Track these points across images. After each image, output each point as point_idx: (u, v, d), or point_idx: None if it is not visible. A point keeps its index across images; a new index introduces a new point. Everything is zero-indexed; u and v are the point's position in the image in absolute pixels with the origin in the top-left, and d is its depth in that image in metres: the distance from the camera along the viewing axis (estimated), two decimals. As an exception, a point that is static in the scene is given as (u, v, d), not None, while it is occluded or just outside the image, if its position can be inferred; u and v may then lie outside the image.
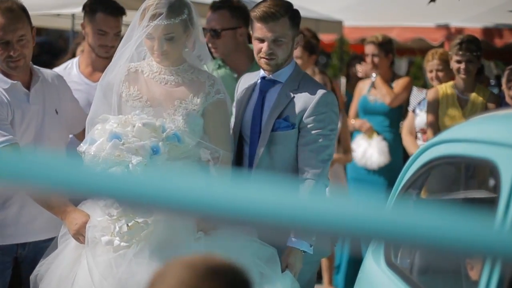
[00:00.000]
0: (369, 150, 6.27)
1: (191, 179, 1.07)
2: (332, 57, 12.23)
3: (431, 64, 5.77)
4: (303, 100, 3.48)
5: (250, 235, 3.27)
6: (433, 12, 7.81)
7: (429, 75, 5.84)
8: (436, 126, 5.24)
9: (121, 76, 3.42)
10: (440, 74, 5.69)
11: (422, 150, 2.89)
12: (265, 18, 3.48)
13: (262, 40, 3.49)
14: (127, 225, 3.08)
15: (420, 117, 5.74)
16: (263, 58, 3.51)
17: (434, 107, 5.29)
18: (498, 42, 8.19)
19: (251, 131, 3.55)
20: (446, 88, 5.33)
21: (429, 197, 3.32)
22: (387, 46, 6.36)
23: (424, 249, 0.96)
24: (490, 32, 8.13)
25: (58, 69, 4.20)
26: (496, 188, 2.32)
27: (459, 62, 5.21)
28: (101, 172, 1.15)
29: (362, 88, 6.52)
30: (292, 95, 3.51)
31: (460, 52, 5.19)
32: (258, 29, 3.49)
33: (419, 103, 5.86)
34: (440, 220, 0.93)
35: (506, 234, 0.93)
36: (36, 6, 5.55)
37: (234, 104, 3.75)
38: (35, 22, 3.79)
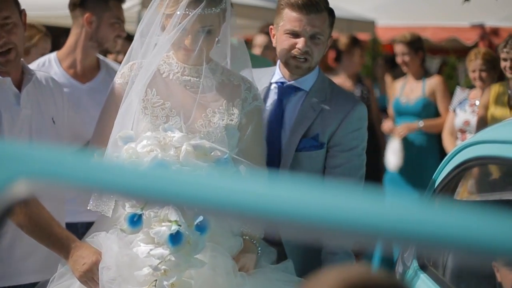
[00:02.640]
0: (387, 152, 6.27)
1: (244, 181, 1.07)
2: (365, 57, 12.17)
3: (474, 64, 5.66)
4: (333, 115, 2.95)
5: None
6: (467, 12, 7.74)
7: (471, 75, 5.74)
8: (483, 126, 5.13)
9: (147, 77, 2.76)
10: (483, 74, 5.59)
11: (457, 151, 2.86)
12: (307, 7, 2.92)
13: (297, 35, 2.93)
14: (172, 283, 2.50)
15: (459, 117, 5.67)
16: (296, 57, 2.94)
17: (484, 107, 5.18)
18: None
19: (268, 146, 2.94)
20: (499, 87, 5.22)
21: (464, 199, 3.29)
22: (416, 44, 6.31)
23: (457, 251, 0.95)
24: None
25: (31, 67, 3.25)
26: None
27: (505, 60, 5.06)
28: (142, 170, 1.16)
29: (395, 89, 6.48)
30: (320, 107, 2.97)
31: (505, 50, 5.07)
32: (294, 20, 2.92)
33: (460, 103, 5.77)
34: (475, 222, 0.92)
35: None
36: (57, 5, 5.52)
37: None
38: (57, 21, 3.36)
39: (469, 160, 2.78)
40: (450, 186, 2.95)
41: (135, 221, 2.48)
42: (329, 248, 2.89)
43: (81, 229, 3.30)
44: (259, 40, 6.08)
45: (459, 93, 5.91)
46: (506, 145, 2.54)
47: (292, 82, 3.03)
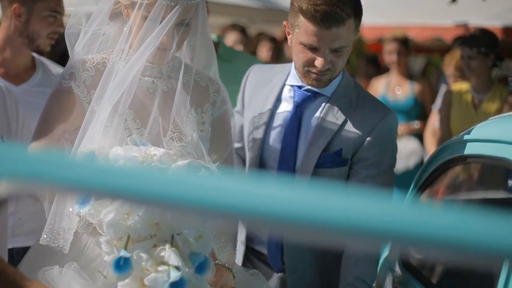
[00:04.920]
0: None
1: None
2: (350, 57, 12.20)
3: (449, 68, 5.73)
4: (360, 125, 2.52)
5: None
6: (451, 11, 7.76)
7: (449, 79, 5.81)
8: (446, 126, 5.13)
9: (127, 84, 2.28)
10: (459, 78, 5.62)
11: (440, 150, 2.87)
12: (327, 22, 2.40)
13: (314, 49, 2.45)
14: None
15: None
16: (316, 73, 2.49)
17: (446, 107, 5.18)
18: (517, 40, 8.12)
19: (280, 162, 2.57)
20: (461, 87, 5.21)
21: (446, 198, 3.30)
22: (406, 43, 6.43)
23: (440, 250, 0.95)
24: (510, 30, 8.06)
25: None
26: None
27: (462, 58, 5.04)
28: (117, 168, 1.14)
29: (377, 87, 6.52)
30: (344, 117, 2.54)
31: (462, 49, 5.03)
32: (312, 34, 2.42)
33: None
34: (456, 220, 0.92)
35: (523, 235, 0.92)
36: None
37: (238, 107, 2.77)
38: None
39: (452, 159, 2.79)
40: (433, 185, 2.96)
41: (122, 265, 2.06)
42: (348, 280, 2.51)
43: (16, 256, 2.75)
44: (231, 38, 5.95)
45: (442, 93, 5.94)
46: (489, 144, 2.54)
47: (308, 85, 2.57)
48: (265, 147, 2.60)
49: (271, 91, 2.64)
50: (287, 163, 2.55)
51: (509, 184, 2.86)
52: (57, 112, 2.34)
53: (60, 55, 3.48)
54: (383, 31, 8.53)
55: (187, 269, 2.06)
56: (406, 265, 2.95)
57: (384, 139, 2.52)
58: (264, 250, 2.70)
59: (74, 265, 2.22)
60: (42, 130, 2.32)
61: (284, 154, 2.56)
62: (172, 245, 2.08)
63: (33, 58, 3.10)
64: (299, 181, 2.50)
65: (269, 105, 2.62)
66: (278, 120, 2.60)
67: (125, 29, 2.32)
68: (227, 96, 2.50)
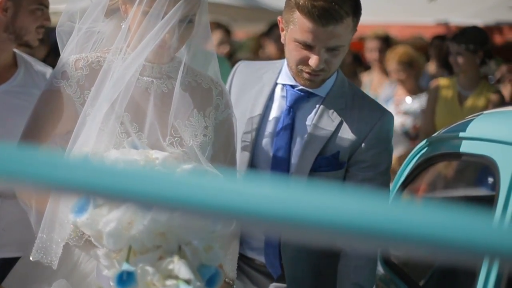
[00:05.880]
0: None
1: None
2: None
3: (391, 64, 5.81)
4: (357, 127, 2.44)
5: None
6: (432, 10, 7.80)
7: (391, 75, 5.90)
8: (431, 121, 5.15)
9: (125, 85, 2.13)
10: (402, 74, 5.72)
11: (421, 147, 2.88)
12: (325, 19, 2.30)
13: (309, 47, 2.36)
14: None
15: None
16: (309, 73, 2.40)
17: (432, 102, 5.19)
18: (498, 39, 8.18)
19: (273, 165, 2.47)
20: (447, 82, 5.22)
21: (427, 195, 3.31)
22: (387, 41, 6.51)
23: (420, 248, 0.95)
24: (490, 29, 8.12)
25: None
26: (495, 186, 2.30)
27: (450, 55, 5.05)
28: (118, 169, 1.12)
29: (363, 83, 6.57)
30: (339, 118, 2.45)
31: (450, 45, 5.04)
32: (307, 31, 2.32)
33: (387, 100, 5.92)
34: (437, 218, 0.92)
35: (504, 232, 0.92)
36: None
37: None
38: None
39: (434, 156, 2.79)
40: (415, 182, 2.96)
41: (125, 280, 1.87)
42: (347, 287, 2.43)
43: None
44: (215, 37, 5.91)
45: (387, 88, 6.01)
46: (471, 142, 2.55)
47: (301, 85, 2.46)
48: (256, 149, 2.48)
49: (261, 91, 2.51)
50: (280, 166, 2.45)
51: (490, 182, 2.87)
52: (47, 114, 2.16)
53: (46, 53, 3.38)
54: (364, 29, 8.55)
55: (198, 283, 1.86)
56: (387, 262, 2.95)
57: (381, 141, 2.44)
58: (255, 257, 2.57)
59: (64, 282, 2.06)
60: (30, 134, 2.15)
61: (277, 157, 2.45)
62: (180, 256, 1.90)
63: (14, 55, 2.89)
64: (296, 181, 2.42)
65: (260, 105, 2.49)
66: (270, 122, 2.48)
67: (123, 26, 2.17)
68: (230, 99, 2.36)
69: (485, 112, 2.90)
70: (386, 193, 2.49)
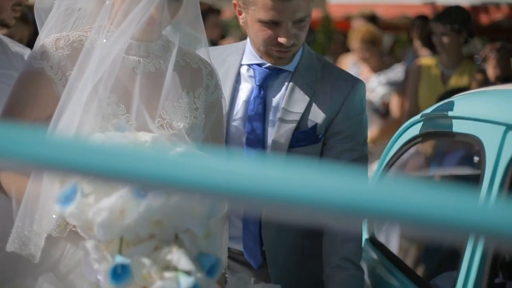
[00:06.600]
0: None
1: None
2: (317, 35, 12.21)
3: (354, 43, 5.82)
4: (330, 97, 2.41)
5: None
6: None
7: (357, 55, 5.90)
8: (414, 100, 5.16)
9: (110, 63, 2.00)
10: (366, 53, 5.73)
11: (407, 126, 2.88)
12: None
13: (276, 24, 2.32)
14: None
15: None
16: (280, 51, 2.36)
17: (415, 81, 5.21)
18: (484, 19, 8.19)
19: (248, 147, 2.42)
20: (429, 62, 5.24)
21: (412, 174, 3.32)
22: (374, 21, 6.49)
23: (406, 226, 0.95)
24: (476, 9, 8.13)
25: None
26: (481, 164, 2.31)
27: (434, 35, 5.07)
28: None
29: (346, 65, 6.56)
30: (312, 90, 2.42)
31: (434, 25, 5.06)
32: (271, 9, 2.29)
33: None
34: (423, 196, 0.92)
35: (489, 211, 0.92)
36: None
37: None
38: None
39: (419, 135, 2.80)
40: (400, 161, 2.97)
41: (120, 273, 1.72)
42: (335, 262, 2.38)
43: None
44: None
45: (352, 68, 6.02)
46: (455, 121, 2.56)
47: (271, 64, 2.42)
48: (228, 133, 2.42)
49: (227, 73, 2.44)
50: (255, 148, 2.39)
51: (476, 161, 2.89)
52: (27, 97, 2.02)
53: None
54: (350, 8, 8.54)
55: (199, 274, 1.73)
56: (372, 240, 2.96)
57: (356, 110, 2.42)
58: (233, 245, 2.49)
59: (51, 276, 1.95)
60: (8, 119, 2.01)
61: (250, 140, 2.40)
62: (178, 245, 1.77)
63: None
64: (276, 158, 2.38)
65: (227, 89, 2.42)
66: (239, 104, 2.43)
67: (107, 2, 2.05)
68: (219, 80, 2.24)
69: (470, 91, 2.90)
70: (366, 164, 2.47)
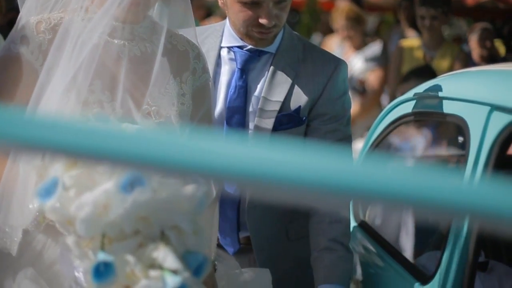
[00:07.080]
0: None
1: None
2: (302, 16, 12.18)
3: (338, 22, 5.84)
4: (313, 79, 2.39)
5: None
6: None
7: (340, 33, 5.92)
8: (396, 82, 5.20)
9: (89, 48, 1.88)
10: (350, 32, 5.75)
11: (392, 107, 2.88)
12: None
13: (256, 4, 2.28)
14: None
15: None
16: (261, 32, 2.32)
17: (398, 62, 5.26)
18: (469, 0, 8.19)
19: (229, 132, 2.38)
20: (412, 43, 5.29)
21: (397, 155, 3.33)
22: (360, 2, 6.50)
23: (391, 206, 0.94)
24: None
25: None
26: (465, 145, 2.31)
27: (422, 18, 5.13)
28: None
29: (331, 45, 6.55)
30: (293, 72, 2.38)
31: (424, 8, 5.11)
32: None
33: None
34: (408, 177, 0.91)
35: (474, 191, 0.92)
36: None
37: None
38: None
39: (404, 115, 2.80)
40: (385, 142, 2.97)
41: (102, 271, 1.62)
42: (324, 244, 2.34)
43: None
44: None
45: (337, 49, 6.02)
46: (440, 101, 2.56)
47: (251, 45, 2.37)
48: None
49: (206, 57, 2.29)
50: (236, 131, 2.35)
51: (460, 141, 2.89)
52: (5, 83, 1.92)
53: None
54: (336, -11, 8.52)
55: (185, 273, 1.63)
56: (360, 224, 2.97)
57: (339, 91, 2.39)
58: None
59: (30, 271, 1.86)
60: None
61: (232, 124, 2.35)
62: (164, 243, 1.66)
63: None
64: (260, 139, 2.30)
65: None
66: (221, 88, 2.37)
67: None
68: (207, 63, 2.14)
69: (454, 72, 2.90)
70: (350, 144, 2.44)
